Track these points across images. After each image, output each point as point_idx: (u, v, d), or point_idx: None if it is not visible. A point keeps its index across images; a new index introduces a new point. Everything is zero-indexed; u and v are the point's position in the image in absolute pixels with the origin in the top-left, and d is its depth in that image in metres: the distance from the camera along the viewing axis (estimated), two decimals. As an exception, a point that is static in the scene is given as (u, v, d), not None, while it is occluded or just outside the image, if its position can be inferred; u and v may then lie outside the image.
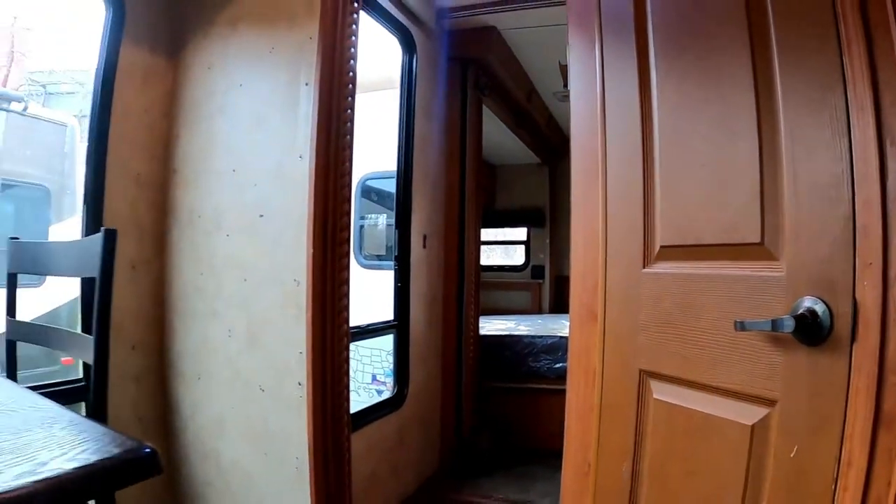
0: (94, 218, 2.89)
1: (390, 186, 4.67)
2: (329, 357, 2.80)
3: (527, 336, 5.53)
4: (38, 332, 2.16)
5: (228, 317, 2.95)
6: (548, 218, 8.58)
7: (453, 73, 4.82)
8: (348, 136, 2.89)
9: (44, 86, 14.11)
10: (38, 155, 6.63)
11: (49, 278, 6.71)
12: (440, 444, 4.71)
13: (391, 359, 4.43)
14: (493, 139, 6.23)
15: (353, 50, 2.93)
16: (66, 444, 1.02)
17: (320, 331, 2.74)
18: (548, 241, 8.55)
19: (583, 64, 2.15)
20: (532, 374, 5.32)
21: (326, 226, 2.75)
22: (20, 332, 2.13)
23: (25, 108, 6.30)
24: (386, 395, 4.44)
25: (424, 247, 4.35)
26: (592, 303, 2.06)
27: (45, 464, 0.90)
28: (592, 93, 2.08)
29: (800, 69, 1.46)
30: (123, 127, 3.00)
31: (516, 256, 9.29)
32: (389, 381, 4.60)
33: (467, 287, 4.85)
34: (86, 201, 2.91)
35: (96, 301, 1.56)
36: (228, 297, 2.95)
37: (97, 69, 2.96)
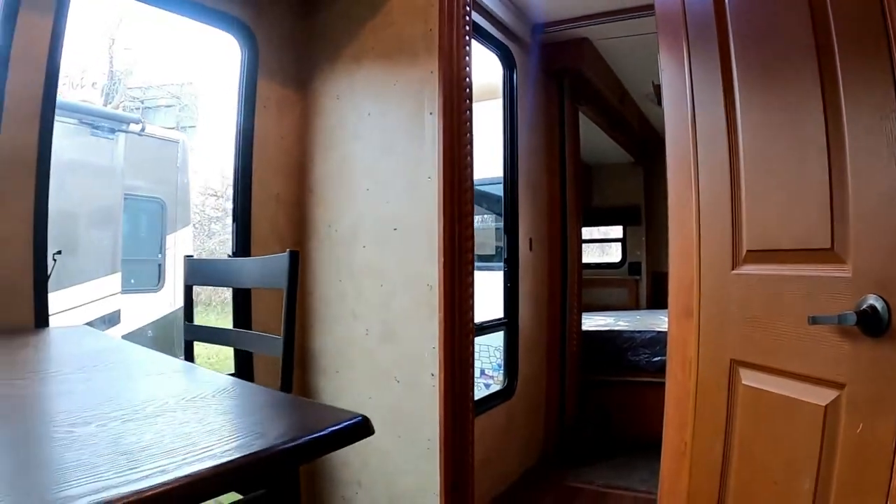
0: (242, 232, 3.37)
1: (493, 190, 4.95)
2: (458, 351, 3.14)
3: (626, 331, 5.70)
4: (217, 334, 2.57)
5: (366, 318, 3.33)
6: (643, 215, 8.63)
7: (550, 84, 5.10)
8: (468, 157, 3.23)
9: (142, 101, 14.86)
10: (154, 170, 7.15)
11: (167, 286, 7.25)
12: (544, 433, 4.97)
13: (498, 354, 4.70)
14: (588, 141, 6.36)
15: (468, 80, 3.26)
16: (303, 415, 1.39)
17: (450, 328, 3.09)
18: (644, 238, 8.61)
19: (674, 88, 2.39)
20: (632, 368, 5.48)
21: (454, 237, 3.10)
22: (196, 333, 2.53)
23: (143, 129, 6.82)
24: (494, 388, 4.69)
25: (531, 249, 4.64)
26: (688, 301, 2.28)
27: (291, 433, 1.22)
28: (683, 114, 2.32)
29: (861, 99, 1.67)
30: (263, 152, 3.46)
31: (613, 254, 9.38)
32: (496, 374, 4.87)
33: (570, 286, 5.09)
34: (234, 218, 3.40)
35: (284, 307, 1.91)
36: (366, 301, 3.34)
37: (238, 102, 3.43)
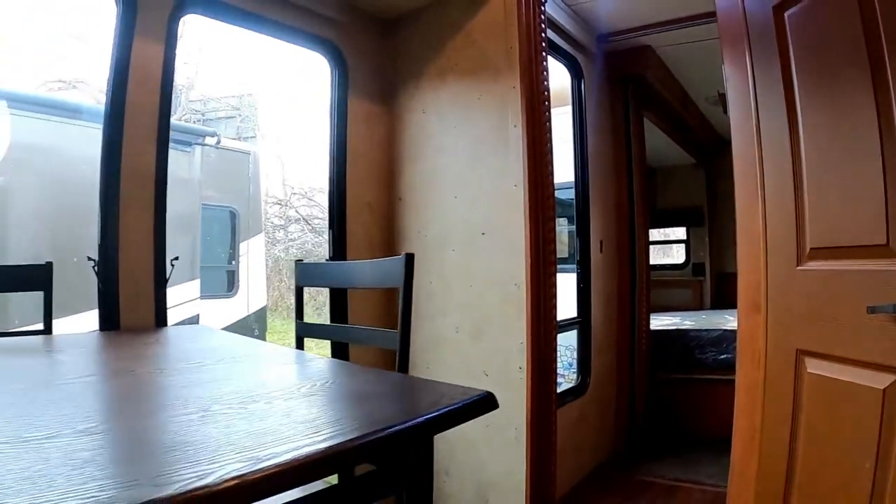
0: (338, 238, 3.76)
1: (564, 195, 5.17)
2: (543, 346, 3.40)
3: (693, 330, 5.84)
4: (330, 330, 2.90)
5: (456, 316, 3.63)
6: (706, 217, 8.66)
7: (614, 91, 5.30)
8: (550, 166, 3.50)
9: (202, 113, 15.32)
10: (227, 181, 7.53)
11: (241, 292, 7.58)
12: (615, 429, 5.17)
13: (569, 353, 4.93)
14: (651, 143, 6.43)
15: (546, 93, 3.52)
16: (436, 392, 1.65)
17: (537, 324, 3.35)
18: (707, 239, 8.64)
19: (738, 96, 2.60)
20: (699, 366, 5.61)
21: (538, 240, 3.36)
22: (309, 330, 2.83)
23: (218, 142, 7.19)
24: (565, 386, 4.88)
25: (601, 251, 4.87)
26: (756, 296, 2.48)
27: (431, 405, 1.49)
28: (748, 120, 2.53)
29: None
30: (355, 164, 3.83)
31: (677, 255, 9.47)
32: (567, 373, 5.09)
33: (638, 286, 5.28)
34: (331, 226, 3.79)
35: (401, 304, 2.18)
36: (456, 300, 3.63)
37: (330, 117, 3.82)
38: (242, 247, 7.73)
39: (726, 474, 2.67)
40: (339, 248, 3.81)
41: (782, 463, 2.37)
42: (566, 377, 5.08)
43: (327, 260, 3.81)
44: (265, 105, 15.53)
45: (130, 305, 2.89)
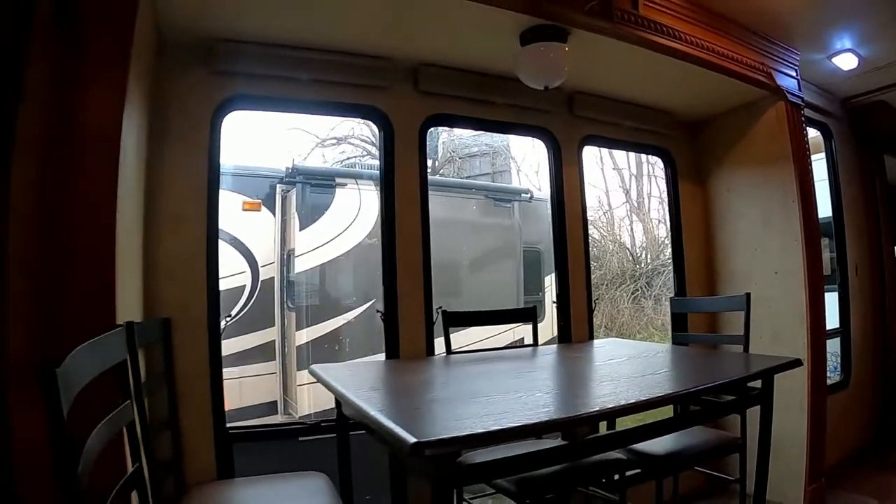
0: (679, 278, 5.84)
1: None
2: (818, 346, 5.02)
3: None
4: (699, 338, 5.14)
5: (759, 328, 5.02)
6: None
7: (857, 140, 6.82)
8: (818, 227, 5.14)
9: (452, 151, 17.10)
10: (535, 227, 9.55)
11: (546, 318, 9.23)
12: (870, 422, 6.53)
13: (833, 359, 6.29)
14: (892, 171, 7.49)
15: (811, 174, 5.16)
16: (773, 358, 3.48)
17: (815, 331, 4.98)
18: None
19: None
20: None
21: (813, 276, 5.01)
22: (682, 339, 4.97)
23: (531, 198, 9.40)
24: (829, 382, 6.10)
25: (857, 274, 6.36)
26: None
27: (772, 361, 3.35)
28: None
29: None
30: (686, 226, 5.83)
31: None
32: (832, 375, 6.37)
33: (888, 301, 6.64)
34: (675, 270, 5.87)
35: (745, 320, 4.08)
36: (759, 318, 4.88)
37: (668, 197, 5.84)
38: (546, 280, 9.61)
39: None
40: (681, 285, 5.69)
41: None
42: (831, 378, 6.21)
43: (675, 296, 5.65)
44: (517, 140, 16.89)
45: (576, 326, 4.90)
